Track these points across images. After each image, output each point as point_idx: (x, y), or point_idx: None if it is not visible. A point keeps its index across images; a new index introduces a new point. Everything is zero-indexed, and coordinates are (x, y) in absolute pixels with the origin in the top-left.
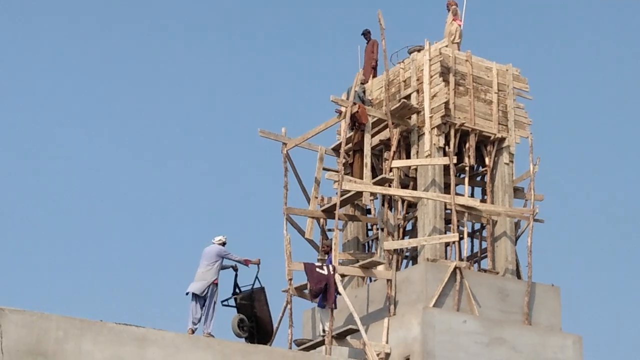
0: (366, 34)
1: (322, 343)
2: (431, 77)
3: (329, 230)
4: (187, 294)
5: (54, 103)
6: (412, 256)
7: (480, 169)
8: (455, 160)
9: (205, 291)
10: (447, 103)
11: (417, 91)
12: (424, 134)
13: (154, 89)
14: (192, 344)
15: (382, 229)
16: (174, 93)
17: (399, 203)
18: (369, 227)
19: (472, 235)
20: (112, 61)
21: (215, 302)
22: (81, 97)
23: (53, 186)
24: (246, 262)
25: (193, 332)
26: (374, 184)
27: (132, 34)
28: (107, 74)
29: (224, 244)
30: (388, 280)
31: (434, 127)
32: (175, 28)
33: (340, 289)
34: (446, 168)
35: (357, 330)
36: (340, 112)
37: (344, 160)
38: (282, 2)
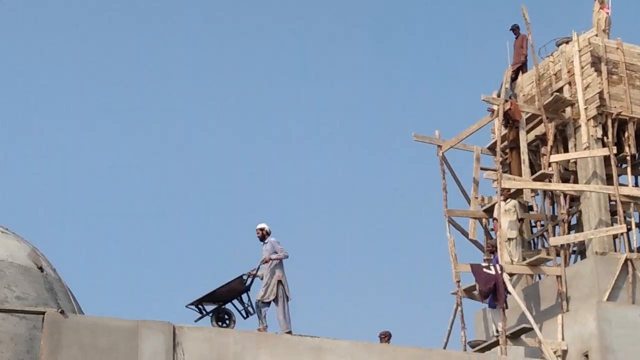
0: (515, 29)
1: (496, 344)
2: (582, 68)
3: (492, 229)
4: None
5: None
6: (580, 250)
7: None
8: (615, 151)
9: None
10: (601, 93)
11: (569, 83)
12: (580, 126)
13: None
14: (366, 351)
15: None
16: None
17: (561, 198)
18: (533, 223)
19: None
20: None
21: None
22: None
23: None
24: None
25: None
26: (534, 180)
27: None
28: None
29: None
30: (558, 276)
31: (589, 119)
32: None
33: (510, 288)
34: (606, 159)
35: (531, 329)
36: (492, 111)
37: (501, 159)
38: (431, 4)
